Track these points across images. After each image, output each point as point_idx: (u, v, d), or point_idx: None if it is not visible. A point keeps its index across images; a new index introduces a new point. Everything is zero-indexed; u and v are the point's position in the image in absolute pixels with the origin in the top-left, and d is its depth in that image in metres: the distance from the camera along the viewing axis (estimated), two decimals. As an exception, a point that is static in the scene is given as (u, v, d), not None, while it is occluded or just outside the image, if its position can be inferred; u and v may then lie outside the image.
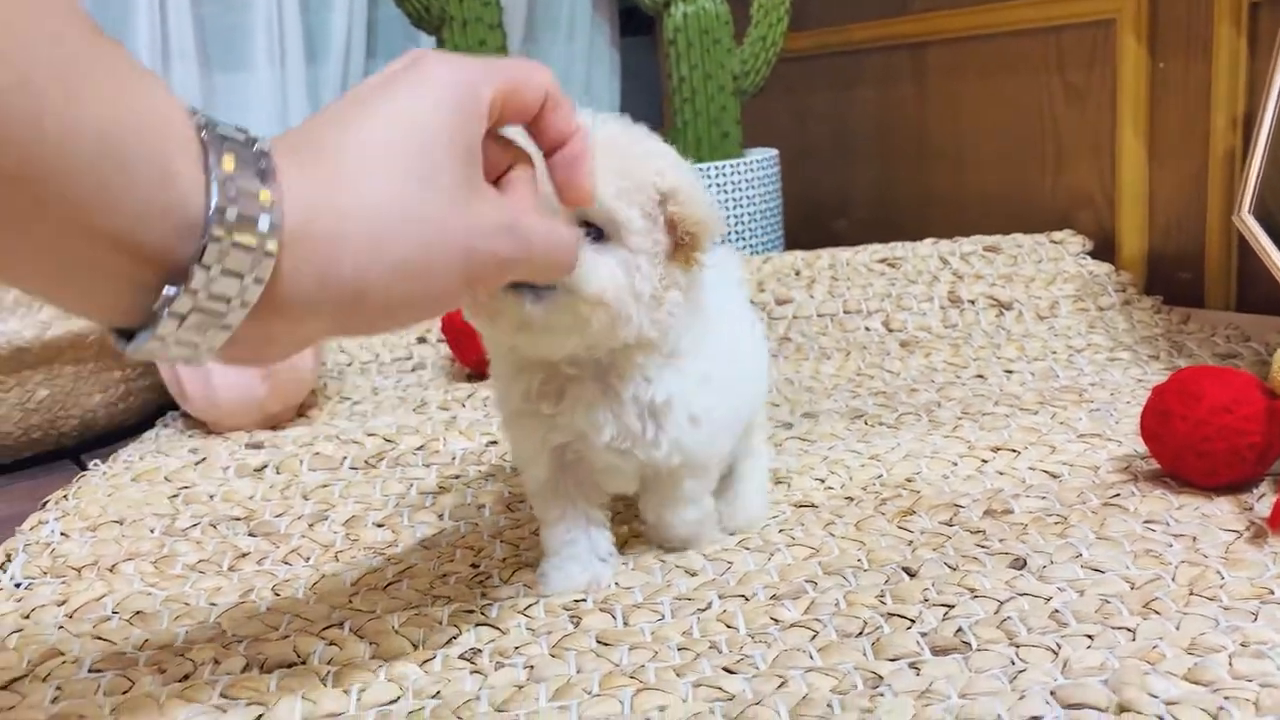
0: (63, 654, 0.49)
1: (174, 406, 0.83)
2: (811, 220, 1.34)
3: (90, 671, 0.48)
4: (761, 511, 0.58)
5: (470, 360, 0.87)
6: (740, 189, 1.10)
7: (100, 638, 0.51)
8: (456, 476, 0.68)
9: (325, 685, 0.45)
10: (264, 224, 0.31)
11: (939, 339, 0.89)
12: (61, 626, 0.52)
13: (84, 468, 0.75)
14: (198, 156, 0.31)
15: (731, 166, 1.09)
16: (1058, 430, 0.67)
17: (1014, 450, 0.64)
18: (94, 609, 0.54)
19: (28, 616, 0.53)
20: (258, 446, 0.73)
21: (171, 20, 1.17)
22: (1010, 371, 0.80)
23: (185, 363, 0.34)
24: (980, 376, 0.80)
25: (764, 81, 1.13)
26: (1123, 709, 0.38)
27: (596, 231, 0.45)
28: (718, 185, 1.08)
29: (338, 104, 0.36)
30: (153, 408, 0.83)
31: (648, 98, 1.59)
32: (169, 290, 0.31)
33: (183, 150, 0.31)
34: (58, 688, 0.47)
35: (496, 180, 0.40)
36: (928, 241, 1.03)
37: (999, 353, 0.85)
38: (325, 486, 0.67)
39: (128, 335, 0.33)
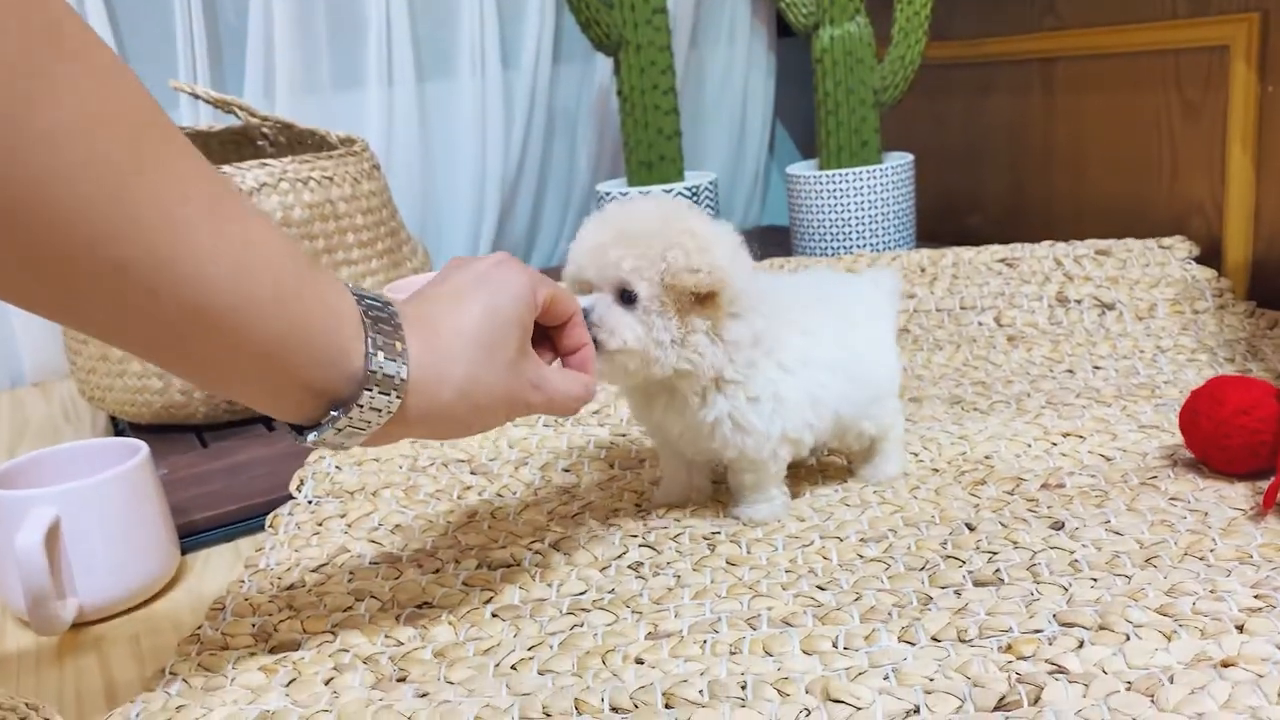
0: (350, 551, 0.70)
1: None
2: (945, 215, 1.46)
3: (370, 564, 0.68)
4: (896, 469, 0.73)
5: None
6: (876, 192, 1.23)
7: (373, 541, 0.71)
8: (623, 434, 0.86)
9: (534, 581, 0.64)
10: (397, 382, 0.50)
11: (1043, 335, 1.02)
12: (345, 532, 0.73)
13: (339, 417, 0.97)
14: (360, 335, 0.49)
15: (869, 173, 1.22)
16: (1123, 421, 0.80)
17: (1081, 436, 0.77)
18: (365, 521, 0.74)
19: (321, 524, 0.74)
20: (472, 406, 0.93)
21: (395, 38, 1.38)
22: (1098, 368, 0.92)
23: (331, 449, 0.53)
24: (1070, 371, 0.92)
25: (902, 95, 1.25)
26: (1102, 628, 0.52)
27: (629, 296, 0.61)
28: (856, 189, 1.22)
29: (447, 291, 0.54)
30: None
31: (801, 94, 1.73)
32: (334, 413, 0.50)
33: (353, 333, 0.49)
34: (350, 573, 0.67)
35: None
36: (1045, 244, 1.13)
37: (1093, 350, 0.97)
38: (525, 439, 0.86)
39: (297, 429, 0.52)
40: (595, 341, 0.60)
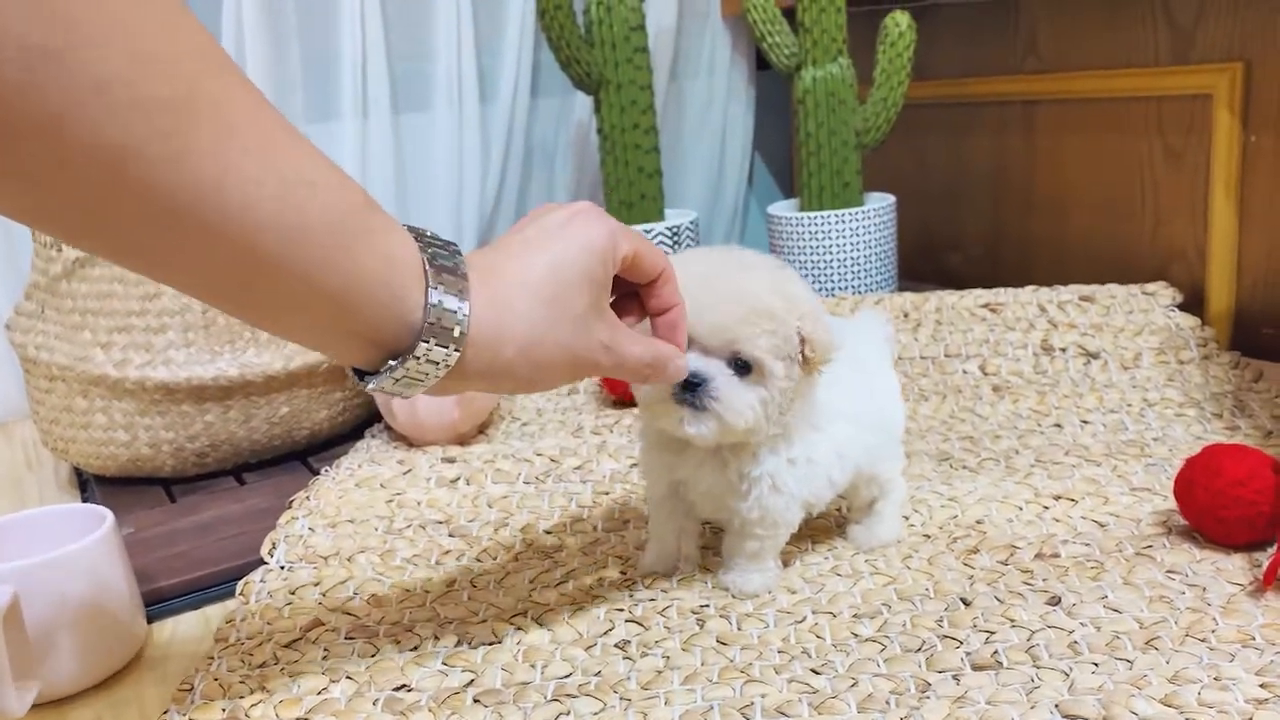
0: (324, 624, 0.67)
1: (377, 419, 1.02)
2: (925, 253, 1.45)
3: (345, 639, 0.65)
4: (891, 536, 0.72)
5: (617, 390, 1.03)
6: (858, 234, 1.22)
7: (348, 613, 0.68)
8: (607, 493, 0.84)
9: (517, 661, 0.61)
10: (456, 335, 0.48)
11: (1029, 384, 1.01)
12: (319, 602, 0.70)
13: (312, 469, 0.94)
14: (421, 283, 0.48)
15: (850, 214, 1.21)
16: (1114, 483, 0.79)
17: (1073, 499, 0.76)
18: (340, 590, 0.71)
19: (294, 593, 0.71)
20: (451, 461, 0.90)
21: (370, 70, 1.35)
22: (1086, 422, 0.91)
23: (391, 396, 0.52)
24: (1058, 426, 0.91)
25: (884, 137, 1.25)
26: (1107, 721, 0.51)
27: (744, 366, 0.59)
28: (837, 231, 1.21)
29: (519, 239, 0.52)
30: (362, 421, 1.02)
31: (778, 125, 1.72)
32: (391, 362, 0.49)
33: (412, 281, 0.48)
34: (325, 649, 0.64)
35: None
36: (1029, 289, 1.13)
37: (1080, 402, 0.96)
38: (505, 498, 0.84)
39: (360, 373, 0.51)
40: (715, 414, 0.59)
